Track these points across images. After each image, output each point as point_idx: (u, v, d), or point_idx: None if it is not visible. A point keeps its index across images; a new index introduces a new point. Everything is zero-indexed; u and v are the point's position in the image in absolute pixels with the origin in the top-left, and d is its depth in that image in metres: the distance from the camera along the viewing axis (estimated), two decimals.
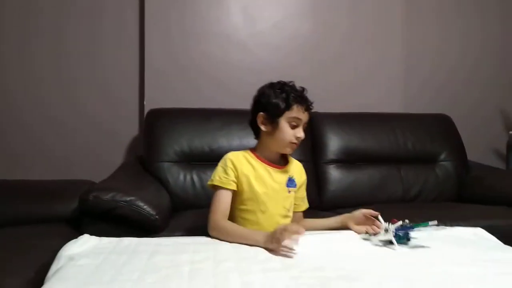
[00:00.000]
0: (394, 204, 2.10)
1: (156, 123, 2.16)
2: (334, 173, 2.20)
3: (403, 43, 2.57)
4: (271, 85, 1.40)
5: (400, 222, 1.23)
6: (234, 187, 1.35)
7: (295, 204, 1.46)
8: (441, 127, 2.40)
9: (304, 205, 1.51)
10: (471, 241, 1.28)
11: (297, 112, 1.35)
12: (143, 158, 2.14)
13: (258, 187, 1.36)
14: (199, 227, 1.54)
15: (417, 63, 2.63)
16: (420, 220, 1.65)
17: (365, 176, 2.20)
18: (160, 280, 0.92)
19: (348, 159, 2.22)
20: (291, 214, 1.43)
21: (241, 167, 1.37)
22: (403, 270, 1.01)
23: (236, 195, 1.36)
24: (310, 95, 1.45)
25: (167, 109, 2.22)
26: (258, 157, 1.40)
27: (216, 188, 1.36)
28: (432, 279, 0.95)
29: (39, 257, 1.23)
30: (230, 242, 1.22)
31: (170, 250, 1.12)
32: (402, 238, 1.20)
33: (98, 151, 2.36)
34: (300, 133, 1.36)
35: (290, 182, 1.41)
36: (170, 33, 2.36)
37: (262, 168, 1.38)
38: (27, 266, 1.18)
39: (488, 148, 2.72)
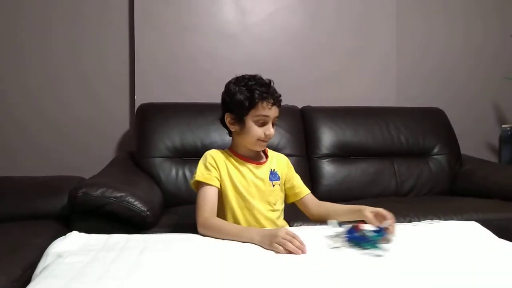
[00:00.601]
0: (388, 198, 2.09)
1: (147, 118, 2.13)
2: (328, 168, 2.18)
3: (395, 36, 2.56)
4: (236, 81, 1.35)
5: (350, 226, 1.13)
6: (217, 184, 1.33)
7: (294, 193, 1.45)
8: (434, 121, 2.39)
9: (305, 190, 1.47)
10: (465, 236, 1.27)
11: (263, 109, 1.31)
12: (134, 153, 2.11)
13: (240, 185, 1.34)
14: (191, 223, 1.52)
15: (409, 56, 2.62)
16: (415, 216, 1.67)
17: (358, 170, 2.19)
18: (148, 277, 0.90)
19: (341, 154, 2.21)
20: (278, 207, 1.40)
21: (222, 165, 1.35)
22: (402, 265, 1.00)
23: (219, 194, 1.34)
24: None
25: (158, 104, 2.19)
26: (236, 155, 1.38)
27: (200, 185, 1.33)
28: (428, 276, 0.93)
29: (27, 254, 1.21)
30: (222, 239, 1.19)
31: (160, 246, 1.10)
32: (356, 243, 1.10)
33: (88, 147, 2.32)
34: (268, 130, 1.33)
35: (273, 176, 1.39)
36: (161, 26, 2.32)
37: (242, 166, 1.37)
38: (14, 264, 1.15)
39: (481, 141, 2.73)
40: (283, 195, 1.44)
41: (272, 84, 1.36)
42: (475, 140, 2.66)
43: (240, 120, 1.33)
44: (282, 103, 1.40)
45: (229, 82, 1.38)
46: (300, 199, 1.46)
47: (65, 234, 1.18)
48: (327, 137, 2.22)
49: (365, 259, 1.03)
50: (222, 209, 1.35)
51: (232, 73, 1.50)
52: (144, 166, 2.01)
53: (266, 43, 2.42)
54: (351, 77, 2.53)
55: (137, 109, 2.19)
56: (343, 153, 2.22)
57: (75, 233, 1.18)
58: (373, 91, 2.54)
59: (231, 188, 1.34)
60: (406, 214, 1.70)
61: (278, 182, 1.40)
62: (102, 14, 2.32)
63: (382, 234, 1.12)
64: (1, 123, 2.27)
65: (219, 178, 1.33)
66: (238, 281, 0.89)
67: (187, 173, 2.03)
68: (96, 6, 2.32)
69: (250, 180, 1.35)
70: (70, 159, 2.30)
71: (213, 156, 1.36)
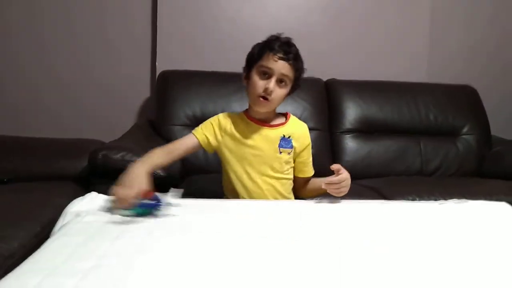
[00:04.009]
0: (412, 177, 2.03)
1: (168, 86, 2.11)
2: (351, 143, 2.13)
3: (430, 11, 2.43)
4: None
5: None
6: (201, 139, 1.32)
7: (301, 169, 1.38)
8: (465, 99, 2.29)
9: (311, 171, 1.40)
10: (495, 216, 1.21)
11: (267, 60, 1.25)
12: (154, 121, 2.10)
13: (242, 148, 1.31)
14: (209, 191, 1.51)
15: (444, 31, 2.49)
16: (441, 196, 1.60)
17: (382, 147, 2.12)
18: (169, 237, 0.88)
19: (365, 129, 2.15)
20: (285, 176, 1.34)
21: (226, 127, 1.32)
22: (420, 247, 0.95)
23: (223, 156, 1.33)
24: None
25: (179, 71, 2.15)
26: (249, 117, 1.34)
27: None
28: (448, 254, 0.89)
29: (46, 213, 1.22)
30: None
31: (180, 210, 1.08)
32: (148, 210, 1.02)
33: (108, 113, 2.32)
34: (269, 84, 1.23)
35: (285, 143, 1.32)
36: None
37: (251, 128, 1.32)
38: (33, 221, 1.17)
39: None
40: (290, 166, 1.36)
41: (290, 42, 1.29)
42: (506, 121, 2.54)
43: (248, 73, 1.31)
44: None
45: None
46: (302, 177, 1.39)
47: (84, 195, 1.17)
48: (352, 112, 2.15)
49: (386, 236, 0.99)
50: (226, 173, 1.34)
51: (256, 40, 1.45)
52: (163, 133, 2.00)
53: (292, 10, 2.33)
54: (380, 51, 2.42)
55: (158, 76, 2.17)
56: (367, 129, 2.15)
57: (94, 194, 1.18)
58: (405, 68, 2.42)
59: (234, 150, 1.31)
60: (431, 193, 1.64)
61: (289, 150, 1.32)
62: None
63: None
64: (25, 89, 2.28)
65: (209, 138, 1.32)
66: (259, 244, 0.86)
67: None
68: None
69: (255, 143, 1.31)
70: (91, 125, 2.30)
71: (219, 117, 1.35)
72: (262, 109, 1.30)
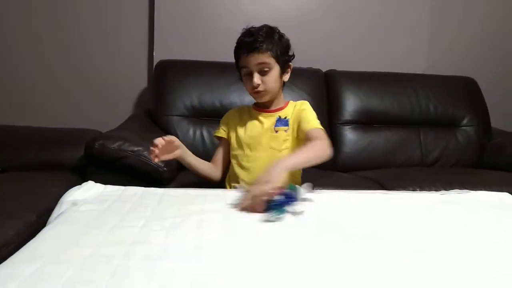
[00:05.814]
0: (412, 168, 2.02)
1: (166, 75, 2.08)
2: (350, 135, 2.11)
3: (430, 1, 2.41)
4: None
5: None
6: (223, 134, 1.46)
7: (299, 126, 1.35)
8: (465, 91, 2.27)
9: (306, 124, 1.33)
10: (496, 206, 1.20)
11: (242, 61, 1.33)
12: (152, 111, 2.07)
13: (243, 133, 1.40)
14: (208, 182, 1.49)
15: (444, 22, 2.47)
16: (442, 186, 1.58)
17: (382, 138, 2.11)
18: (167, 228, 0.86)
19: (365, 121, 2.13)
20: (284, 154, 1.34)
21: (229, 120, 1.46)
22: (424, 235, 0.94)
23: (229, 144, 1.45)
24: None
25: (177, 61, 2.12)
26: (256, 107, 1.44)
27: None
28: (452, 243, 0.87)
29: (42, 202, 1.19)
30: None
31: (178, 200, 1.06)
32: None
33: (105, 103, 2.29)
34: (253, 82, 1.30)
35: (280, 122, 1.38)
36: None
37: (252, 116, 1.42)
38: (29, 210, 1.15)
39: None
40: (290, 143, 1.37)
41: (250, 32, 1.33)
42: (507, 113, 2.53)
43: (241, 78, 1.40)
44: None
45: None
46: (302, 131, 1.33)
47: (80, 184, 1.15)
48: (351, 103, 2.13)
49: (391, 226, 0.97)
50: (231, 157, 1.43)
51: None
52: (161, 124, 1.98)
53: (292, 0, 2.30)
54: (380, 41, 2.40)
55: (156, 65, 2.13)
56: (367, 120, 2.13)
57: (91, 183, 1.16)
58: (404, 59, 2.39)
59: (236, 138, 1.42)
60: (431, 184, 1.63)
61: (285, 128, 1.37)
62: None
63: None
64: (18, 78, 2.24)
65: (226, 130, 1.46)
66: (259, 234, 0.85)
67: (205, 134, 1.99)
68: None
69: (253, 127, 1.40)
70: (87, 115, 2.27)
71: (226, 115, 1.50)
72: (263, 100, 1.38)
